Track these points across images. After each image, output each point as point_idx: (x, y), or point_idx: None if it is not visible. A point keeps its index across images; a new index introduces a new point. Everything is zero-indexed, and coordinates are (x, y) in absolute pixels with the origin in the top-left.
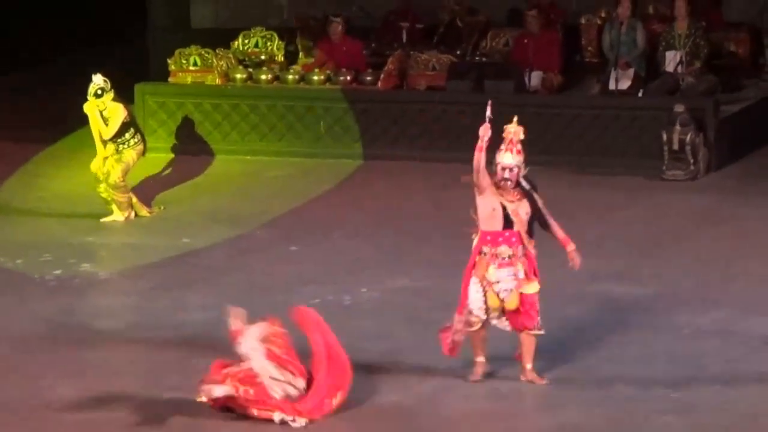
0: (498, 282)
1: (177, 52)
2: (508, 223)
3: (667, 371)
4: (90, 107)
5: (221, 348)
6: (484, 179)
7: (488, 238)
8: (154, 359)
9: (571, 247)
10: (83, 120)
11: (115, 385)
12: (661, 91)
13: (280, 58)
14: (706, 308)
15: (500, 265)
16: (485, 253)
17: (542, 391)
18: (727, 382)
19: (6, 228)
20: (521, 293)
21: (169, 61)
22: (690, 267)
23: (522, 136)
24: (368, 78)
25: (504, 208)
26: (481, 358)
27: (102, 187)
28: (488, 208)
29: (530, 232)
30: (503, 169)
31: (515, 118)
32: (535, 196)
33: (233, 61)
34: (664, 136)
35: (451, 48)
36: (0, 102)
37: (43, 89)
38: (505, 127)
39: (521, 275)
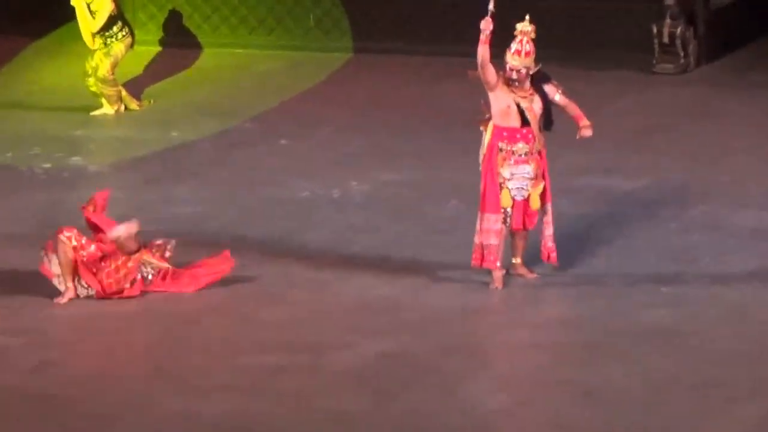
0: (511, 179)
1: None
2: (524, 120)
3: (655, 265)
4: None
5: (208, 242)
6: (491, 75)
7: (505, 134)
8: None
9: (585, 122)
10: (71, 13)
11: None
12: None
13: None
14: (695, 202)
15: (516, 162)
16: (501, 149)
17: (530, 285)
18: (716, 274)
19: None
20: (530, 193)
21: None
22: (679, 160)
23: (533, 35)
24: None
25: (518, 105)
26: (498, 263)
27: (91, 80)
28: (502, 104)
29: (541, 129)
30: (511, 70)
31: (527, 17)
32: (547, 88)
33: None
34: (654, 29)
35: None
36: None
37: None
38: (516, 25)
39: (532, 174)
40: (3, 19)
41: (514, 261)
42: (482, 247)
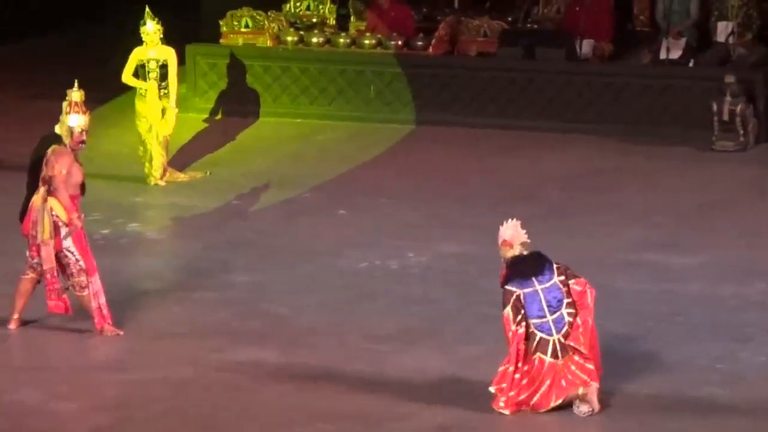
0: None
1: (229, 13)
2: None
3: (712, 342)
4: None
5: (264, 311)
6: None
7: None
8: (199, 321)
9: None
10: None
11: (160, 345)
12: (712, 61)
13: (332, 21)
14: (753, 280)
15: None
16: None
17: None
18: None
19: None
20: None
21: (220, 22)
22: (737, 238)
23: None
24: (419, 43)
25: None
26: None
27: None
28: None
29: None
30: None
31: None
32: None
33: (285, 24)
34: (714, 107)
35: (502, 14)
36: (42, 64)
37: (90, 50)
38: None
39: None
40: (63, 87)
41: None
42: None
